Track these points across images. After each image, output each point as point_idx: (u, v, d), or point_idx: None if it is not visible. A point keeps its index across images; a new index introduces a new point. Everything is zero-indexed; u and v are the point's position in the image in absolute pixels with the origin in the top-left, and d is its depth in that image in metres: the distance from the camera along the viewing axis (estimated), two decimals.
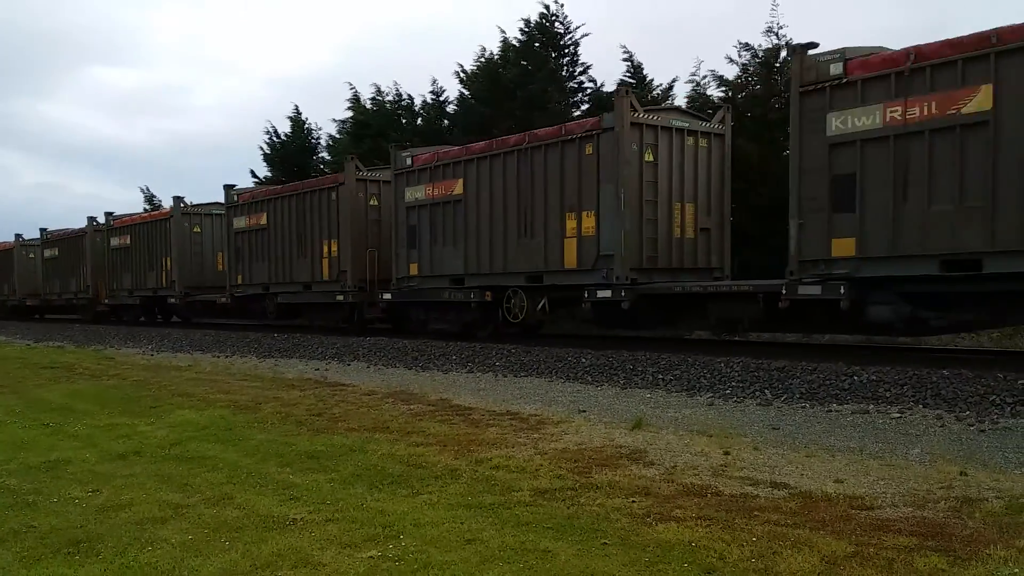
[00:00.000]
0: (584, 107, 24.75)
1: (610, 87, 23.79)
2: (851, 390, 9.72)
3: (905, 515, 5.19)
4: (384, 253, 19.29)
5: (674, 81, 24.20)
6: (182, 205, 26.81)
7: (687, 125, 14.75)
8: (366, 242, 19.67)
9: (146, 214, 31.97)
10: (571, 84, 25.12)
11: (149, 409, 10.29)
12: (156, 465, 7.09)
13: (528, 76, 24.05)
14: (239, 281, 23.85)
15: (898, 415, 8.67)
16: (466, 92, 26.39)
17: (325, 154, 33.27)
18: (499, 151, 16.09)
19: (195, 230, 26.91)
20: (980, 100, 9.84)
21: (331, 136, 33.08)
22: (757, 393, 10.20)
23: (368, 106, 30.25)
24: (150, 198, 43.47)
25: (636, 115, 14.07)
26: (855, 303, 11.10)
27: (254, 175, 34.95)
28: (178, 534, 5.10)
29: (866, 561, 4.33)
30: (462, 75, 26.38)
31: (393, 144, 19.85)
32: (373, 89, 30.75)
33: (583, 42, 25.01)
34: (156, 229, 27.69)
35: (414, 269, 17.90)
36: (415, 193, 17.86)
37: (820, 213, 11.29)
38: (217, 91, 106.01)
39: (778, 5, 29.80)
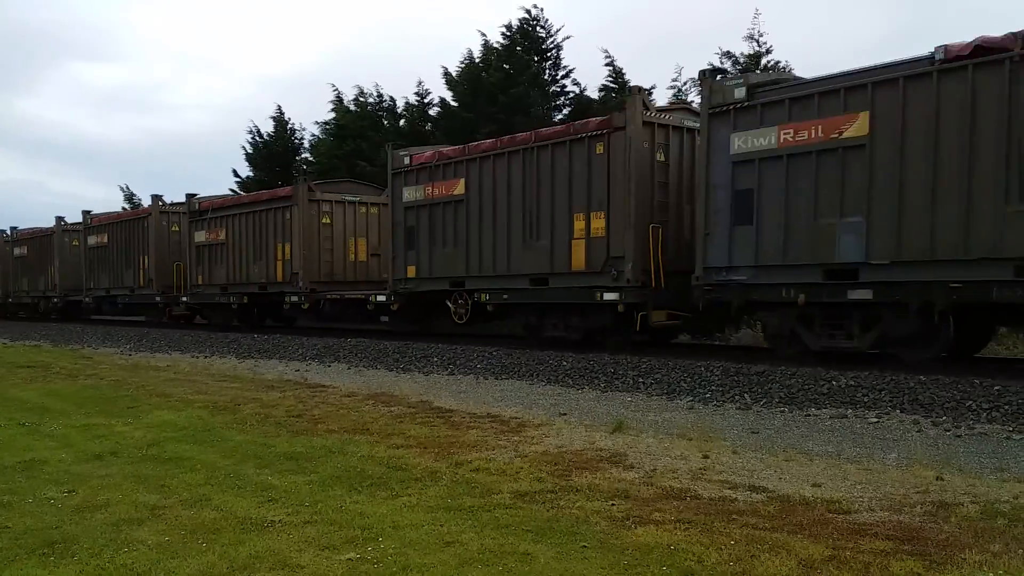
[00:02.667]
0: (565, 111, 24.82)
1: (592, 92, 23.92)
2: (829, 395, 9.80)
3: (881, 519, 5.23)
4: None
5: (653, 88, 24.32)
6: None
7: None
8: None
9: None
10: (553, 88, 25.20)
11: (126, 409, 10.20)
12: (133, 466, 7.03)
13: (510, 80, 24.08)
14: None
15: (876, 420, 8.74)
16: (449, 95, 26.40)
17: (308, 155, 33.14)
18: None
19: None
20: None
21: (315, 136, 33.00)
22: (737, 397, 10.26)
23: (351, 108, 30.19)
24: (130, 196, 43.23)
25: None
26: None
27: (236, 175, 34.80)
28: (154, 535, 5.06)
29: (843, 565, 4.36)
30: (446, 78, 26.40)
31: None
32: (356, 91, 30.65)
33: (565, 46, 25.08)
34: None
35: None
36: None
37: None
38: (199, 89, 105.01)
39: (760, 14, 30.05)
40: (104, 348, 21.54)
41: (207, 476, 6.58)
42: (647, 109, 13.95)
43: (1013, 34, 9.76)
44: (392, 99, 29.74)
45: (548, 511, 5.44)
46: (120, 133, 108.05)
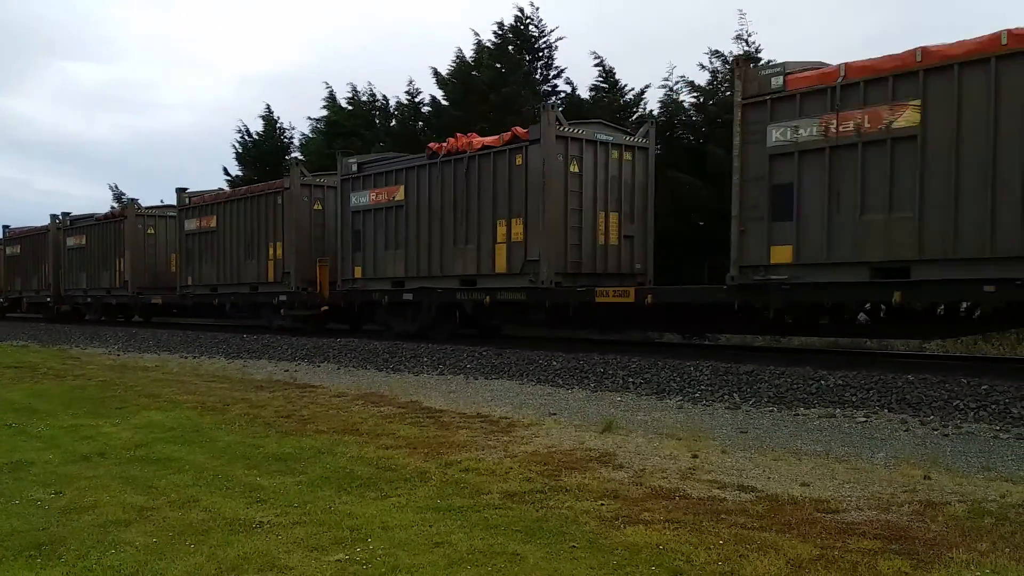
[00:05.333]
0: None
1: (583, 91, 23.90)
2: (818, 394, 9.83)
3: (869, 518, 5.25)
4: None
5: (646, 87, 24.31)
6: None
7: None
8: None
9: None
10: (545, 88, 25.16)
11: (114, 410, 10.15)
12: (121, 467, 7.00)
13: (501, 79, 24.03)
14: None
15: (864, 419, 8.78)
16: (440, 94, 26.32)
17: (298, 154, 33.01)
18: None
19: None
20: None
21: (304, 135, 32.90)
22: (726, 397, 10.29)
23: (343, 106, 30.09)
24: (119, 196, 43.00)
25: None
26: None
27: (227, 173, 34.65)
28: (142, 537, 5.04)
29: (831, 564, 4.37)
30: (436, 77, 26.32)
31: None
32: (348, 89, 30.50)
33: (558, 46, 24.99)
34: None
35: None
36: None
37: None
38: (186, 88, 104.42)
39: (746, 14, 30.16)
40: (92, 348, 21.43)
41: (195, 477, 6.56)
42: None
43: None
44: (384, 98, 29.66)
45: (537, 511, 5.45)
46: (106, 132, 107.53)
